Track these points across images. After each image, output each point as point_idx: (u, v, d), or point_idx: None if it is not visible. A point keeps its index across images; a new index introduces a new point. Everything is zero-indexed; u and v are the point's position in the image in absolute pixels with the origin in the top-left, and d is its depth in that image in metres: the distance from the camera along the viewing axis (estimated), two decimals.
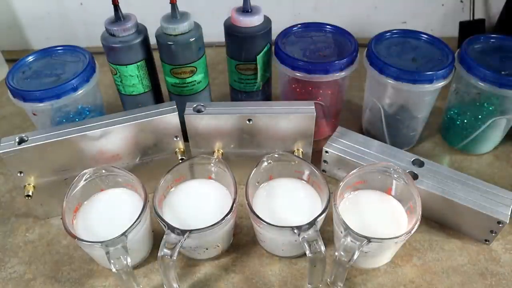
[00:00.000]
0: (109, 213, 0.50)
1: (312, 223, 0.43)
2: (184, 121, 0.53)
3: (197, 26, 0.56)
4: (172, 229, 0.44)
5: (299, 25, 0.63)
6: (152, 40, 0.59)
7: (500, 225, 0.49)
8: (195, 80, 0.59)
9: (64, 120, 0.56)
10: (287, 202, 0.51)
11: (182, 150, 0.55)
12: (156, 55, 0.60)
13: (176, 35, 0.54)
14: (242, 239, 0.54)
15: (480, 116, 0.58)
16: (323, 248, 0.42)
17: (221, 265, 0.51)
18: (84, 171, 0.49)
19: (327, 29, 0.62)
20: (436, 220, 0.54)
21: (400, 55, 0.57)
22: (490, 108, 0.56)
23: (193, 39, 0.55)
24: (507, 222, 0.48)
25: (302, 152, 0.55)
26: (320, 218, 0.45)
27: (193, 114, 0.52)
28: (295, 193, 0.52)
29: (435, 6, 0.86)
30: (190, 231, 0.44)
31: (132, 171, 0.50)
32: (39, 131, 0.50)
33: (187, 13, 0.56)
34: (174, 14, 0.54)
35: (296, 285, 0.49)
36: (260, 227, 0.47)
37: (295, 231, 0.43)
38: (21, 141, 0.49)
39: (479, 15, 0.83)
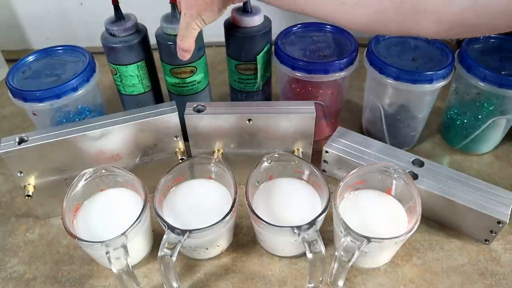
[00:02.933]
0: (109, 213, 0.50)
1: (312, 223, 0.43)
2: (184, 121, 0.53)
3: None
4: (172, 229, 0.44)
5: (299, 25, 0.63)
6: (152, 40, 0.59)
7: (500, 225, 0.49)
8: (195, 80, 0.59)
9: (64, 120, 0.56)
10: (287, 202, 0.51)
11: (182, 150, 0.55)
12: (156, 55, 0.60)
13: (176, 35, 0.54)
14: (242, 239, 0.54)
15: (480, 116, 0.58)
16: (323, 248, 0.42)
17: (221, 265, 0.51)
18: (84, 171, 0.49)
19: (327, 29, 0.62)
20: (436, 220, 0.54)
21: (400, 55, 0.57)
22: (490, 108, 0.56)
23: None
24: (507, 222, 0.48)
25: (302, 152, 0.55)
26: (320, 218, 0.45)
27: (193, 114, 0.52)
28: (295, 193, 0.52)
29: None
30: (190, 231, 0.44)
31: (132, 171, 0.50)
32: (39, 131, 0.50)
33: None
34: (174, 14, 0.54)
35: (296, 285, 0.49)
36: (260, 227, 0.47)
37: (295, 231, 0.43)
38: (21, 141, 0.49)
39: None
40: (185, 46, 0.49)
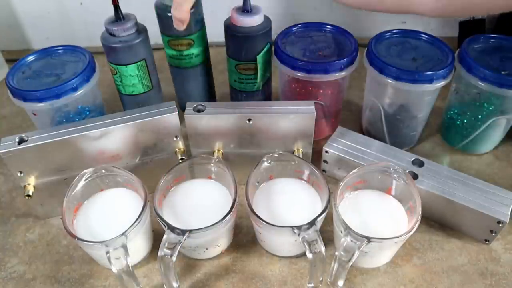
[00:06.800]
0: (109, 213, 0.50)
1: (312, 223, 0.43)
2: (183, 96, 0.52)
3: (197, 1, 0.57)
4: (172, 229, 0.44)
5: (299, 25, 0.63)
6: (152, 40, 0.59)
7: (500, 225, 0.49)
8: (192, 53, 0.60)
9: (64, 120, 0.56)
10: (287, 202, 0.51)
11: (182, 150, 0.55)
12: (156, 55, 0.60)
13: None
14: (242, 239, 0.54)
15: (480, 116, 0.58)
16: (323, 248, 0.42)
17: (221, 265, 0.51)
18: (84, 171, 0.49)
19: (327, 29, 0.62)
20: (436, 220, 0.54)
21: (400, 55, 0.57)
22: (490, 108, 0.56)
23: (192, 10, 0.55)
24: (507, 222, 0.48)
25: (302, 152, 0.55)
26: (320, 218, 0.45)
27: (193, 114, 0.52)
28: (295, 193, 0.52)
29: None
30: (190, 230, 0.44)
31: (132, 171, 0.50)
32: (39, 131, 0.50)
33: None
34: None
35: (296, 285, 0.49)
36: (260, 227, 0.47)
37: (295, 231, 0.43)
38: (21, 141, 0.49)
39: None
40: (179, 15, 0.47)
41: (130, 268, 0.43)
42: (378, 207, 0.51)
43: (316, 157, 0.59)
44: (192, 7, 0.52)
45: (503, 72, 0.53)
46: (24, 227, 0.56)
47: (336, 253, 0.43)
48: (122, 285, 0.44)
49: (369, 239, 0.42)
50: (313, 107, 0.53)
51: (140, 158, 0.55)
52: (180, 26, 0.49)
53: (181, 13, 0.47)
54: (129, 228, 0.44)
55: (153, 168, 0.56)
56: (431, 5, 0.33)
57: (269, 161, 0.51)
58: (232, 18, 0.57)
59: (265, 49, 0.58)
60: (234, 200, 0.47)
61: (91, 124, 0.51)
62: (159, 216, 0.46)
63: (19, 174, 0.50)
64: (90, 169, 0.49)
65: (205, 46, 0.62)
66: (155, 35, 0.61)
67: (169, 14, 0.51)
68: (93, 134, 0.50)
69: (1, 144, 0.49)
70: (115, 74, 0.59)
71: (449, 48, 0.57)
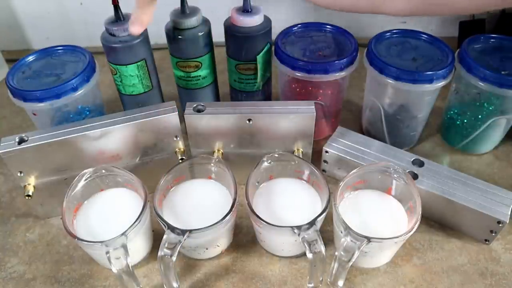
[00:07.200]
0: (109, 213, 0.50)
1: (312, 223, 0.43)
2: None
3: (206, 22, 0.57)
4: (172, 229, 0.44)
5: (299, 25, 0.63)
6: (152, 40, 0.59)
7: (500, 225, 0.49)
8: (199, 75, 0.60)
9: (64, 120, 0.56)
10: (287, 202, 0.51)
11: (182, 150, 0.55)
12: (156, 55, 0.60)
13: (183, 29, 0.55)
14: (242, 239, 0.54)
15: (480, 116, 0.58)
16: (323, 248, 0.42)
17: (221, 265, 0.51)
18: (84, 171, 0.49)
19: (327, 29, 0.62)
20: (436, 220, 0.54)
21: (400, 55, 0.57)
22: (490, 108, 0.56)
23: (201, 33, 0.56)
24: (507, 222, 0.48)
25: (302, 152, 0.55)
26: (320, 218, 0.45)
27: (193, 114, 0.52)
28: (295, 193, 0.52)
29: None
30: (190, 230, 0.44)
31: (132, 171, 0.50)
32: (39, 131, 0.50)
33: (196, 8, 0.56)
34: (183, 9, 0.55)
35: (296, 285, 0.49)
36: (260, 227, 0.47)
37: (295, 231, 0.43)
38: (21, 141, 0.49)
39: (479, 15, 0.83)
40: (140, 17, 0.43)
41: (130, 268, 0.43)
42: (378, 207, 0.51)
43: (316, 157, 0.59)
44: (200, 37, 0.54)
45: (503, 72, 0.53)
46: (24, 227, 0.56)
47: (336, 253, 0.43)
48: (122, 285, 0.44)
49: (369, 239, 0.42)
50: (313, 107, 0.53)
51: (140, 158, 0.55)
52: (135, 28, 0.44)
53: (134, 15, 0.43)
54: (129, 228, 0.44)
55: (153, 168, 0.56)
56: (401, 6, 0.34)
57: (269, 161, 0.51)
58: (232, 18, 0.57)
59: (265, 49, 0.58)
60: (234, 200, 0.47)
61: (91, 124, 0.51)
62: (159, 216, 0.46)
63: (19, 174, 0.50)
64: (90, 169, 0.49)
65: (213, 69, 0.62)
66: (155, 35, 0.61)
67: (180, 37, 0.53)
68: (93, 134, 0.50)
69: (1, 144, 0.49)
70: (115, 74, 0.59)
71: (449, 48, 0.57)
